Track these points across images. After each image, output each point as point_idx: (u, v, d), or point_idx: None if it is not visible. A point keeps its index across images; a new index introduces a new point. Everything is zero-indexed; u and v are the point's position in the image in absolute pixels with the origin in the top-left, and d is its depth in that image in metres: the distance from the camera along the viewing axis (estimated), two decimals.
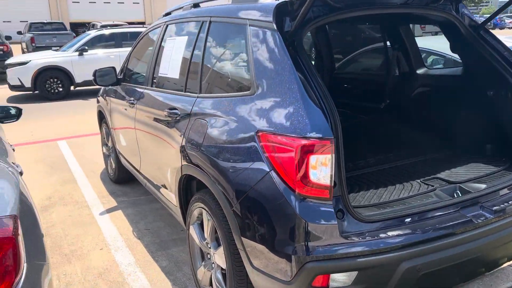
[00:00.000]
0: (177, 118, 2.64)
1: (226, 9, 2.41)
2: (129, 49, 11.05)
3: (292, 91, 1.80)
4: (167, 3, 35.48)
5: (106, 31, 10.73)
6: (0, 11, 29.95)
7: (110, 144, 4.64)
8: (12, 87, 9.89)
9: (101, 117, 4.81)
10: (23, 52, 16.96)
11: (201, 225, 2.53)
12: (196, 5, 2.98)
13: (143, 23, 30.82)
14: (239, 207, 1.95)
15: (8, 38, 14.05)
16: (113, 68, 3.93)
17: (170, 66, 2.94)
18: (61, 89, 10.06)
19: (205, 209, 2.35)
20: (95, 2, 33.28)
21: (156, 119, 2.97)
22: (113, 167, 4.61)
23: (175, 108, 2.69)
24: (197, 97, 2.51)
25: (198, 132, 2.34)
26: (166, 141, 2.78)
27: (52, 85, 9.98)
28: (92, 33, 10.61)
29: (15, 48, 18.46)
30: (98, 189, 4.53)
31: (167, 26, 3.21)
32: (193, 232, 2.56)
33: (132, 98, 3.47)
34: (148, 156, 3.22)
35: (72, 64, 10.03)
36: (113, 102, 4.08)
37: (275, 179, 1.78)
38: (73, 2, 32.83)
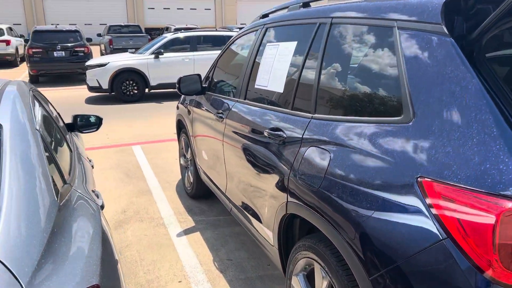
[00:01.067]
0: (282, 141, 2.15)
1: (357, 7, 1.89)
2: (204, 53, 11.06)
3: (482, 124, 1.24)
4: (238, 10, 35.85)
5: (181, 35, 10.65)
6: (83, 15, 31.78)
7: (189, 156, 4.29)
8: (91, 88, 10.08)
9: (180, 127, 4.49)
10: (102, 54, 17.62)
11: (308, 278, 2.02)
12: (306, 4, 2.49)
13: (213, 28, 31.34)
14: (383, 280, 1.41)
15: (89, 40, 14.55)
16: (199, 75, 3.56)
17: (271, 77, 2.47)
18: (136, 92, 10.10)
19: (318, 262, 1.84)
20: (169, 9, 34.39)
21: (251, 139, 2.51)
22: (191, 181, 4.25)
23: (279, 129, 2.21)
24: (312, 118, 2.01)
25: (315, 164, 1.83)
26: (265, 167, 2.31)
27: (128, 87, 10.04)
28: (168, 36, 10.58)
29: (95, 50, 19.30)
30: (174, 204, 4.19)
31: (266, 29, 2.75)
32: (297, 285, 2.06)
33: (220, 111, 3.05)
34: (238, 180, 2.78)
35: (148, 66, 10.03)
36: (196, 112, 3.71)
37: (452, 252, 1.22)
38: (149, 8, 34.15)
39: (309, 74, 2.12)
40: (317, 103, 2.01)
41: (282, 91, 2.35)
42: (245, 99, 2.77)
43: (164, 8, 34.44)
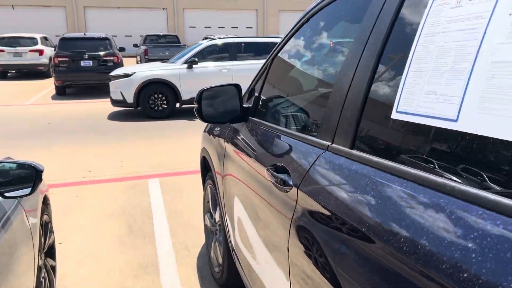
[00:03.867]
0: None
1: None
2: (245, 62, 9.28)
3: None
4: (280, 28, 34.50)
5: (219, 41, 9.18)
6: (122, 27, 31.41)
7: (217, 217, 2.67)
8: (114, 102, 8.74)
9: (206, 168, 2.88)
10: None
11: None
12: None
13: None
14: None
15: (122, 49, 13.42)
16: (237, 87, 1.93)
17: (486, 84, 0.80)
18: (165, 106, 8.67)
19: None
20: (210, 27, 33.45)
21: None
22: (220, 260, 2.62)
23: None
24: None
25: None
26: None
27: (156, 101, 8.63)
28: (204, 43, 9.14)
29: (131, 61, 18.35)
30: None
31: None
32: None
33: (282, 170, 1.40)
34: None
35: (180, 78, 8.60)
36: (232, 153, 2.07)
37: None
38: (189, 27, 33.44)
39: None
40: None
41: None
42: (354, 146, 1.09)
43: (205, 27, 33.58)
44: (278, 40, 9.31)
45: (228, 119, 1.95)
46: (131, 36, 30.70)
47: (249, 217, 1.74)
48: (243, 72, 8.73)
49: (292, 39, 1.79)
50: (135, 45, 19.65)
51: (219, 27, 33.79)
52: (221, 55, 9.04)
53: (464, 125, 0.75)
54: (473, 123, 0.74)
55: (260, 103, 1.95)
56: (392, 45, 1.04)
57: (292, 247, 1.23)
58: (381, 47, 1.05)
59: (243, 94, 2.01)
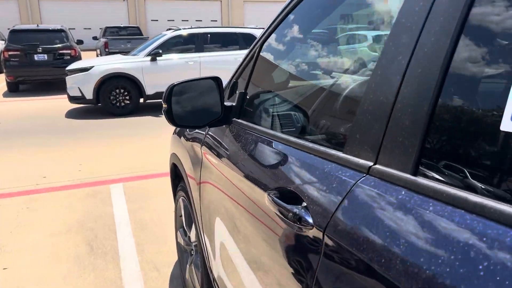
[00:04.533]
0: None
1: None
2: (213, 54, 8.73)
3: None
4: (245, 20, 33.92)
5: (184, 32, 8.63)
6: (81, 19, 30.00)
7: (193, 236, 2.25)
8: (72, 99, 8.05)
9: (178, 177, 2.45)
10: None
11: None
12: None
13: None
14: None
15: (80, 42, 12.61)
16: (217, 81, 1.51)
17: None
18: (128, 102, 8.09)
19: None
20: (173, 20, 32.29)
21: None
22: (196, 286, 2.20)
23: None
24: None
25: None
26: None
27: (118, 97, 8.03)
28: (168, 33, 8.57)
29: (91, 55, 17.41)
30: None
31: None
32: None
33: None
34: None
35: (143, 71, 8.02)
36: (212, 164, 1.65)
37: None
38: (152, 20, 32.28)
39: None
40: None
41: None
42: (418, 172, 0.71)
43: (168, 20, 32.44)
44: (249, 31, 8.86)
45: (207, 122, 1.52)
46: (90, 28, 29.34)
47: (241, 250, 1.34)
48: (211, 64, 8.27)
49: (291, 15, 1.37)
50: (95, 38, 18.66)
51: (182, 20, 32.85)
52: (187, 46, 8.52)
53: None
54: None
55: (248, 101, 1.54)
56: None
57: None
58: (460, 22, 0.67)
59: (225, 85, 1.59)
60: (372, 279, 0.68)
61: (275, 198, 1.00)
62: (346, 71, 1.16)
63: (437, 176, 0.68)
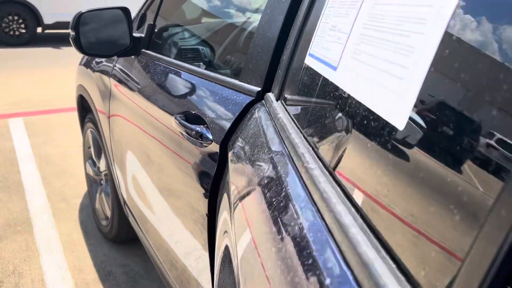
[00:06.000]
0: None
1: None
2: None
3: None
4: None
5: None
6: None
7: (102, 166, 2.32)
8: None
9: (85, 109, 2.45)
10: None
11: None
12: None
13: None
14: None
15: None
16: (125, 12, 1.55)
17: None
18: (23, 31, 7.38)
19: None
20: None
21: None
22: (107, 213, 2.32)
23: None
24: None
25: None
26: None
27: (11, 25, 7.28)
28: None
29: None
30: (78, 261, 2.24)
31: None
32: None
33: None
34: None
35: None
36: (122, 94, 1.72)
37: None
38: None
39: None
40: None
41: None
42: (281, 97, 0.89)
43: None
44: None
45: (116, 52, 1.57)
46: None
47: (148, 171, 1.47)
48: None
49: None
50: None
51: None
52: None
53: None
54: None
55: (156, 32, 1.61)
56: None
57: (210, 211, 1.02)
58: None
59: (134, 17, 1.63)
60: (256, 178, 0.86)
61: (181, 120, 1.14)
62: (244, 11, 1.29)
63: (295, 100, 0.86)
